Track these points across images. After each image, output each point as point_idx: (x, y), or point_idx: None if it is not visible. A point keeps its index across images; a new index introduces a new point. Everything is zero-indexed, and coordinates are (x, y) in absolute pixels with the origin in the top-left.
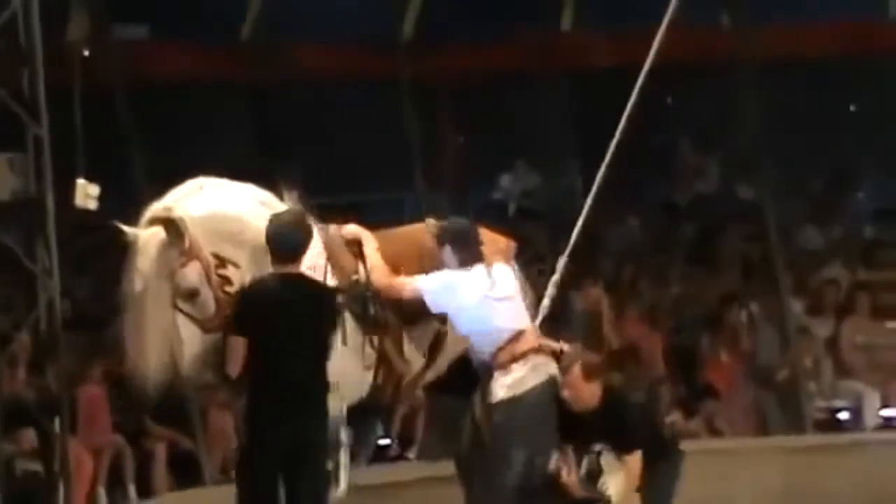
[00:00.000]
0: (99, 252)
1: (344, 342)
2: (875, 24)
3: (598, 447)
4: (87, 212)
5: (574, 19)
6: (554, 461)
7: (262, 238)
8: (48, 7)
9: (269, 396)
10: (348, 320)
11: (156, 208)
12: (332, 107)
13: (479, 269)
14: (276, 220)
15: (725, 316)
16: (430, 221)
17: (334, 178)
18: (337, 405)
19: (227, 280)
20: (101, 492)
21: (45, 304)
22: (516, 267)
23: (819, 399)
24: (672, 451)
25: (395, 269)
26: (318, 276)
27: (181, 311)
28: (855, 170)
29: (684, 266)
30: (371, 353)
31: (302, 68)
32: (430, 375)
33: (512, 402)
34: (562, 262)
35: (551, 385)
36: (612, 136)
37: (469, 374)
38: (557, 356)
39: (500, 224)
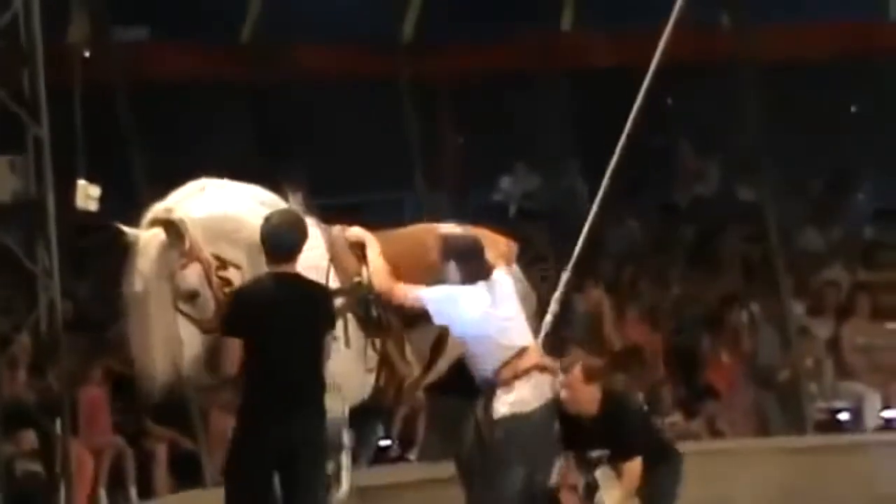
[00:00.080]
0: (99, 253)
1: (346, 344)
2: (875, 24)
3: (597, 453)
4: (87, 213)
5: (574, 19)
6: (555, 475)
7: (258, 237)
8: (49, 8)
9: (264, 396)
10: (351, 322)
11: (156, 209)
12: (332, 107)
13: (481, 285)
14: (270, 220)
15: (726, 317)
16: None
17: (334, 179)
18: (339, 407)
19: (227, 281)
20: (102, 493)
21: (45, 305)
22: (517, 269)
23: (820, 400)
24: (672, 454)
25: (397, 270)
26: (321, 278)
27: (181, 312)
28: (855, 170)
29: (685, 267)
30: (373, 356)
31: (302, 68)
32: (432, 377)
33: (514, 420)
34: (565, 276)
35: (553, 403)
36: (613, 136)
37: (470, 375)
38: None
39: (501, 225)
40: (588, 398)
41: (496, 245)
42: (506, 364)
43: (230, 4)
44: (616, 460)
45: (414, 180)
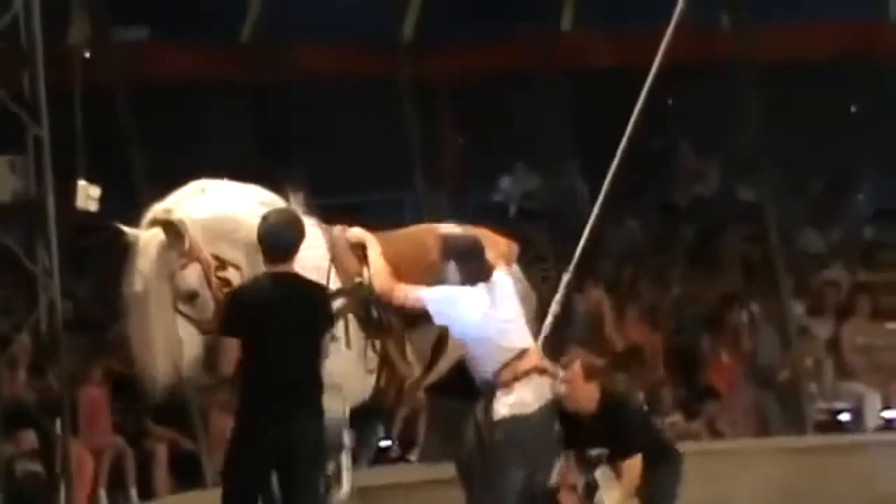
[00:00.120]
0: (99, 253)
1: (347, 345)
2: (875, 24)
3: (596, 452)
4: (87, 213)
5: (574, 19)
6: (555, 475)
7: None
8: (49, 9)
9: (262, 396)
10: (351, 323)
11: (156, 210)
12: (332, 107)
13: (481, 287)
14: (267, 219)
15: (726, 317)
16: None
17: (334, 179)
18: (339, 407)
19: (227, 282)
20: (102, 493)
21: (45, 305)
22: (518, 269)
23: (820, 400)
24: (672, 454)
25: (397, 270)
26: (322, 278)
27: (181, 312)
28: (855, 170)
29: (685, 267)
30: (374, 357)
31: (302, 68)
32: (432, 378)
33: (514, 421)
34: (566, 278)
35: (553, 405)
36: (613, 136)
37: (470, 377)
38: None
39: (501, 225)
40: (587, 396)
41: (496, 245)
42: (506, 366)
43: (230, 4)
44: (615, 459)
45: (414, 180)
